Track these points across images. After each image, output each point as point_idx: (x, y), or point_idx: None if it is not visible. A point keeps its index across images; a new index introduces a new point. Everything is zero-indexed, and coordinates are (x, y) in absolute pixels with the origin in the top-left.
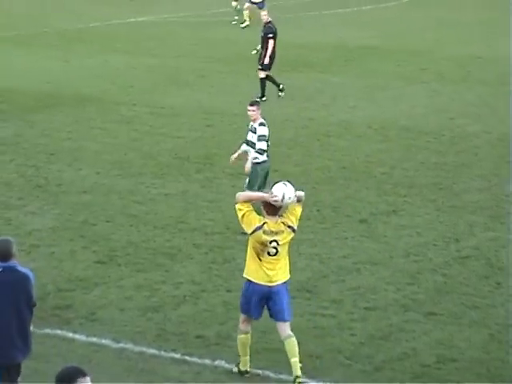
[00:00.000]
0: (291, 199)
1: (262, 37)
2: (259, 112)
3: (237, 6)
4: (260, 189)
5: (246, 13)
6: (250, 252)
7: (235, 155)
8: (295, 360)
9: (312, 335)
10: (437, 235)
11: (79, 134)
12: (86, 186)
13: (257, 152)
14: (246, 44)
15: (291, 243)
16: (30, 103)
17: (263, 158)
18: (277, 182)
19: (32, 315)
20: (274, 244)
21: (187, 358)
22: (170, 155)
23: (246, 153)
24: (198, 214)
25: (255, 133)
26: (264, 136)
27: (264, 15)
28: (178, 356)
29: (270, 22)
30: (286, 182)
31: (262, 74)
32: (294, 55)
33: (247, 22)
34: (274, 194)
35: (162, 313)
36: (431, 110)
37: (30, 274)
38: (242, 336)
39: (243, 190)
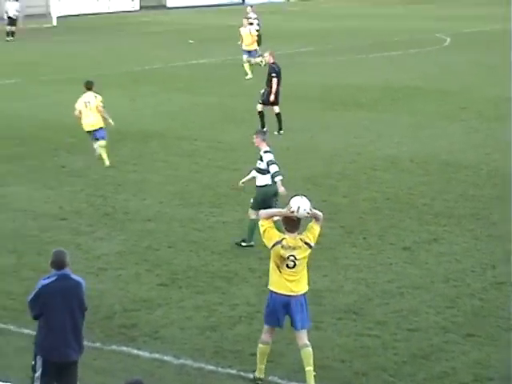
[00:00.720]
0: (306, 211)
1: (267, 75)
2: (262, 140)
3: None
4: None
5: (246, 65)
6: (271, 265)
7: (243, 180)
8: (309, 369)
9: (358, 354)
10: (474, 262)
11: (144, 167)
12: (150, 214)
13: (274, 175)
14: (295, 85)
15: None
16: (62, 139)
17: (266, 181)
18: (294, 196)
19: (84, 318)
20: (291, 258)
21: (242, 373)
22: (228, 186)
23: (254, 178)
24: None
25: (262, 160)
26: (272, 160)
27: (267, 57)
28: (234, 372)
29: (274, 62)
30: (303, 196)
31: (277, 110)
32: (345, 95)
33: (250, 75)
34: (290, 205)
35: (219, 332)
36: (469, 145)
37: (82, 282)
38: (262, 346)
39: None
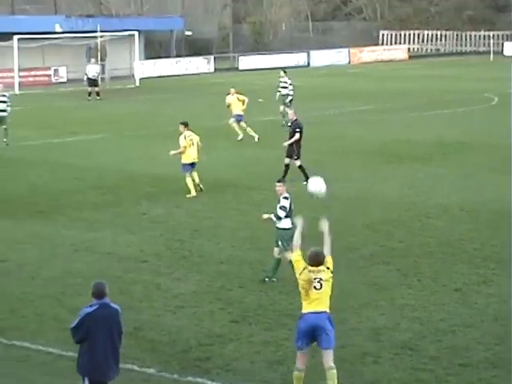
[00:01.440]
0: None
1: (291, 131)
2: (285, 188)
3: (284, 109)
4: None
5: (234, 125)
6: (301, 293)
7: (265, 216)
8: None
9: None
10: None
11: (218, 214)
12: (223, 257)
13: (275, 216)
14: (355, 140)
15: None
16: (176, 187)
17: (285, 225)
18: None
19: (121, 341)
20: (318, 279)
21: None
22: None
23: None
24: None
25: (279, 203)
26: (284, 207)
27: (291, 114)
28: None
29: (296, 119)
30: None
31: (298, 162)
32: (400, 149)
33: (240, 136)
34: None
35: (285, 365)
36: None
37: (120, 309)
38: (296, 373)
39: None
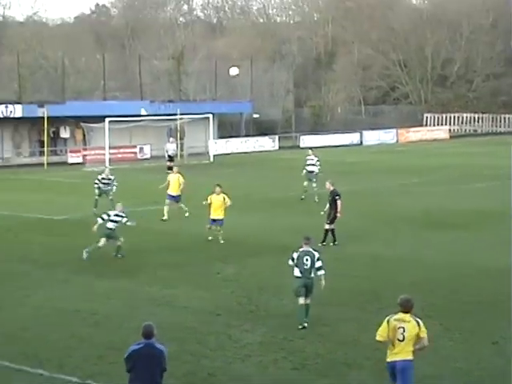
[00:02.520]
0: None
1: (331, 199)
2: (307, 244)
3: (307, 185)
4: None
5: (165, 208)
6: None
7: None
8: None
9: None
10: None
11: (281, 273)
12: (286, 311)
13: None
14: (401, 209)
15: None
16: (245, 250)
17: (296, 273)
18: None
19: (162, 378)
20: (401, 330)
21: None
22: (350, 291)
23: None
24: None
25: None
26: (292, 258)
27: (328, 185)
28: None
29: (334, 189)
30: None
31: (327, 226)
32: (442, 217)
33: (166, 217)
34: None
35: None
36: None
37: (164, 350)
38: None
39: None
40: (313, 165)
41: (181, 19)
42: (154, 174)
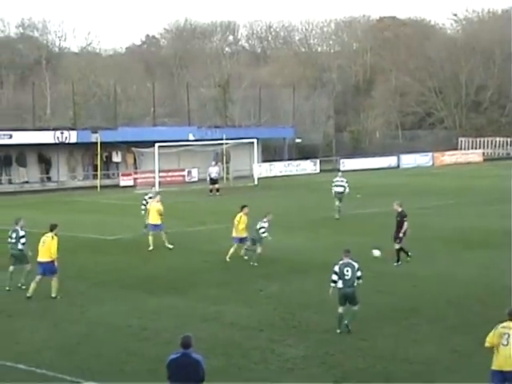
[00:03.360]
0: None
1: (399, 220)
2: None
3: (338, 204)
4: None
5: (150, 238)
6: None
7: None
8: None
9: None
10: None
11: (322, 291)
12: (327, 327)
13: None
14: (437, 229)
15: None
16: (288, 268)
17: (338, 285)
18: None
19: None
20: (506, 335)
21: None
22: (385, 306)
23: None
24: (408, 348)
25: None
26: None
27: (397, 206)
28: None
29: (402, 210)
30: None
31: (397, 246)
32: (477, 236)
33: (151, 247)
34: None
35: None
36: None
37: (200, 359)
38: None
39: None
40: (341, 186)
41: (226, 49)
42: (201, 197)
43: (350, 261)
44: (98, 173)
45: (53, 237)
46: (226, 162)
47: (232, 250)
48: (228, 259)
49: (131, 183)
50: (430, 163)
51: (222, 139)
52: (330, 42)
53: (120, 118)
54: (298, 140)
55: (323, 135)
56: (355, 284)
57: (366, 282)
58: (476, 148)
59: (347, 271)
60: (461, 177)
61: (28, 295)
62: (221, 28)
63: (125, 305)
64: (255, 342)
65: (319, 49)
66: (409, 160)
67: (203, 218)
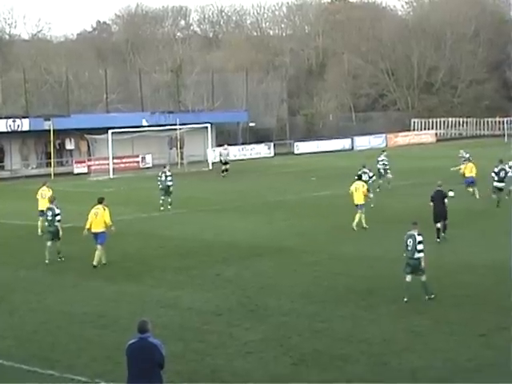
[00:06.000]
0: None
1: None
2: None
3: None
4: None
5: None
6: None
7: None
8: None
9: None
10: None
11: (279, 274)
12: (284, 310)
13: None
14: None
15: None
16: (244, 252)
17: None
18: None
19: (159, 375)
20: None
21: None
22: (347, 288)
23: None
24: (365, 328)
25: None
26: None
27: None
28: None
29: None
30: None
31: (439, 225)
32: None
33: (95, 263)
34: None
35: None
36: None
37: (158, 344)
38: None
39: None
40: (383, 164)
41: (178, 34)
42: (156, 182)
43: (414, 233)
44: (52, 160)
45: (104, 208)
46: (180, 148)
47: None
48: None
49: (85, 170)
50: (384, 144)
51: (175, 124)
52: (282, 26)
53: (73, 105)
54: (252, 124)
55: (277, 119)
56: (416, 256)
57: (323, 264)
58: (429, 129)
59: (409, 242)
60: (414, 158)
61: (95, 264)
62: (172, 13)
63: (82, 292)
64: (213, 327)
65: (271, 32)
66: (363, 142)
67: (158, 203)
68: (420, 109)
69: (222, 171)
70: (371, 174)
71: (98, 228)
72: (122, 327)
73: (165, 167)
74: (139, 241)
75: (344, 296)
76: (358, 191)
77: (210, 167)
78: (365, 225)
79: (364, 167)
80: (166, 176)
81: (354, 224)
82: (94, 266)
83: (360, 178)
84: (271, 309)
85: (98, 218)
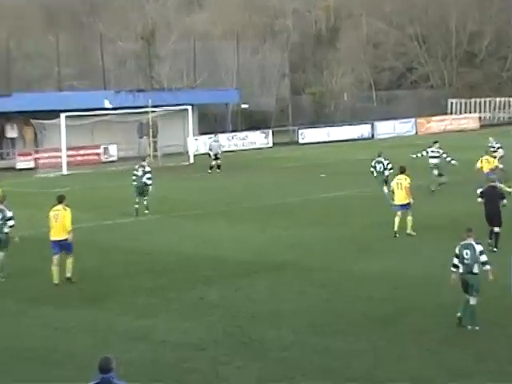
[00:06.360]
0: None
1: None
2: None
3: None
4: None
5: None
6: None
7: None
8: None
9: None
10: None
11: (278, 297)
12: (285, 343)
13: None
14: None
15: None
16: (234, 270)
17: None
18: None
19: None
20: None
21: None
22: (362, 314)
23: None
24: (387, 367)
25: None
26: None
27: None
28: None
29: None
30: None
31: (498, 230)
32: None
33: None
34: None
35: None
36: None
37: None
38: None
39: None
40: (436, 157)
41: None
42: (122, 180)
43: (472, 242)
44: None
45: (65, 209)
46: (153, 136)
47: None
48: None
49: (31, 165)
50: (413, 132)
51: (147, 106)
52: None
53: (15, 82)
54: (245, 106)
55: (276, 99)
56: (475, 270)
57: (334, 284)
58: (470, 111)
59: (467, 254)
60: (452, 149)
61: (56, 282)
62: None
63: (28, 321)
64: (195, 365)
65: None
66: (386, 128)
67: (125, 207)
68: (459, 86)
69: (211, 167)
70: (388, 165)
71: (59, 235)
72: (78, 365)
73: (144, 160)
74: (101, 255)
75: (362, 325)
76: (400, 187)
77: (192, 160)
78: (410, 230)
79: (379, 156)
80: (145, 172)
81: (395, 228)
82: (68, 279)
83: (403, 170)
84: (269, 341)
85: (59, 222)
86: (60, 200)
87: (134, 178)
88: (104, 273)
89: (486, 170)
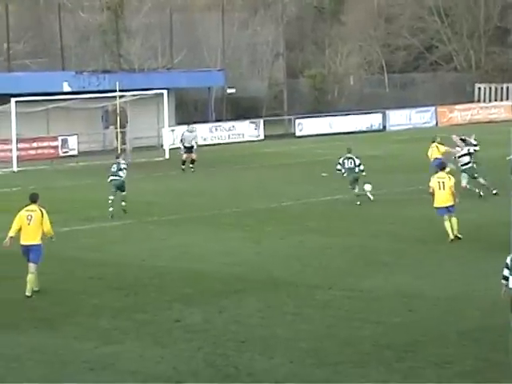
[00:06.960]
0: None
1: None
2: None
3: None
4: None
5: None
6: None
7: None
8: None
9: None
10: None
11: (271, 321)
12: (279, 375)
13: None
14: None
15: None
16: (218, 287)
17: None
18: None
19: None
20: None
21: None
22: (371, 343)
23: None
24: None
25: None
26: None
27: None
28: None
29: None
30: None
31: None
32: (502, 235)
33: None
34: None
35: None
36: None
37: None
38: None
39: None
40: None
41: None
42: (84, 179)
43: None
44: None
45: (41, 210)
46: (121, 126)
47: None
48: None
49: None
50: (433, 123)
51: (114, 91)
52: None
53: None
54: (231, 91)
55: (269, 83)
56: None
57: (338, 306)
58: (502, 99)
59: None
60: (480, 143)
61: (28, 294)
62: None
63: None
64: None
65: None
66: (400, 119)
67: (88, 211)
68: (488, 68)
69: (183, 162)
70: (360, 166)
71: (31, 239)
72: None
73: (118, 157)
74: (58, 268)
75: (370, 354)
76: (443, 187)
77: (167, 156)
78: (455, 233)
79: (349, 152)
80: (120, 169)
81: (450, 235)
82: (28, 296)
83: (443, 167)
84: (259, 373)
85: (32, 225)
86: (33, 199)
87: (111, 175)
88: (60, 290)
89: (433, 157)
